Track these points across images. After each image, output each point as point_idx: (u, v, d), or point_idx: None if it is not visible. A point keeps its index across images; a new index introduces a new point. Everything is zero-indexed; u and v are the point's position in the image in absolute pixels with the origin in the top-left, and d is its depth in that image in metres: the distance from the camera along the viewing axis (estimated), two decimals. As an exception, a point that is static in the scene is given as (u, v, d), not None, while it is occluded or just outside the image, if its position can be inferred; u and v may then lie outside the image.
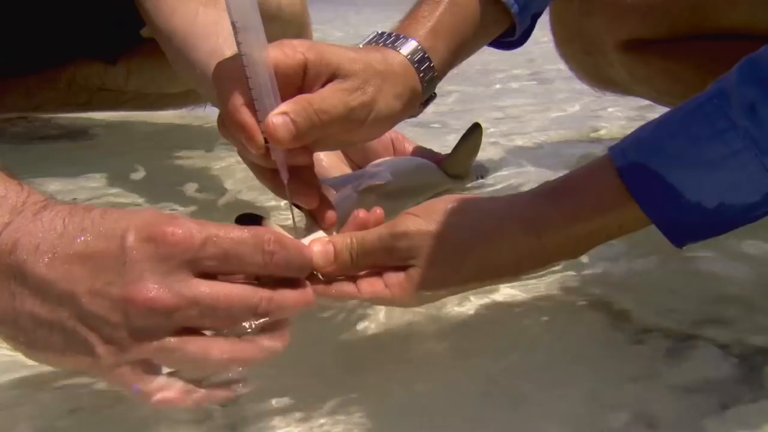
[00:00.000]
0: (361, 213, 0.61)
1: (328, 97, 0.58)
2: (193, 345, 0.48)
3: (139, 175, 1.14)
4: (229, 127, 0.58)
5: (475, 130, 0.77)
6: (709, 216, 0.54)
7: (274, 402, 0.56)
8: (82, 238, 0.47)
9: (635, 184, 0.55)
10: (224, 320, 0.49)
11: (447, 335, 0.64)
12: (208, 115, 1.47)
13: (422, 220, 0.58)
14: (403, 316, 0.66)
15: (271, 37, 0.57)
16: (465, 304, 0.67)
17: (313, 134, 0.57)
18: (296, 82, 0.58)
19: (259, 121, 0.57)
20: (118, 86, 1.28)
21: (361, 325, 0.66)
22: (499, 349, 0.62)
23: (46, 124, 1.40)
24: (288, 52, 0.57)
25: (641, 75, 1.03)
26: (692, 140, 0.53)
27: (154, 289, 0.46)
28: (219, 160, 1.21)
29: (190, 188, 1.08)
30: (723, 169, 0.52)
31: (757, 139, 0.51)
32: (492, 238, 0.57)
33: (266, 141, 0.57)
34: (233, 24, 0.55)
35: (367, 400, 0.56)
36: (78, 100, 1.30)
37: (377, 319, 0.67)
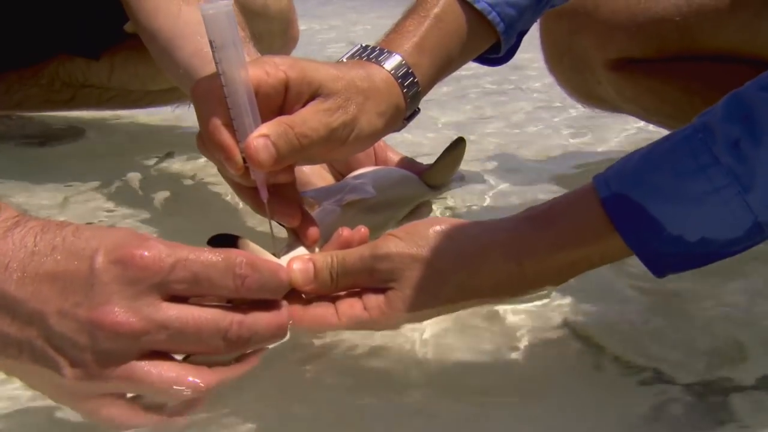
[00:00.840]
0: (345, 232, 0.60)
1: (310, 119, 0.57)
2: (159, 370, 0.47)
3: (122, 180, 1.12)
4: (207, 146, 0.57)
5: (459, 144, 0.76)
6: (691, 249, 0.53)
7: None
8: (52, 257, 0.46)
9: (618, 215, 0.54)
10: (193, 344, 0.48)
11: (431, 365, 0.63)
12: (191, 115, 1.46)
13: (404, 243, 0.57)
14: (382, 347, 0.65)
15: (257, 34, 0.55)
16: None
17: (294, 157, 0.57)
18: (278, 100, 0.57)
19: (238, 141, 0.56)
20: (101, 82, 1.26)
21: (337, 352, 0.65)
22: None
23: (28, 123, 1.37)
24: (269, 71, 0.56)
25: (629, 94, 1.02)
26: (676, 174, 0.52)
27: (120, 312, 0.45)
28: (204, 163, 1.19)
29: (176, 195, 1.06)
30: (705, 204, 0.51)
31: (739, 175, 0.51)
32: (472, 263, 0.57)
33: (245, 161, 0.55)
34: (210, 43, 0.54)
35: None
36: (61, 97, 1.27)
37: (354, 348, 0.65)
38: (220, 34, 0.53)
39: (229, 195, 1.03)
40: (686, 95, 0.98)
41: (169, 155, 1.24)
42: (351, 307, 0.57)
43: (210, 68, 0.83)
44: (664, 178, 0.53)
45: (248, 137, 0.55)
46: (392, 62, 0.64)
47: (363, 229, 0.60)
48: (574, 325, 0.68)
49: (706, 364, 0.61)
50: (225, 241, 0.56)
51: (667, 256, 0.54)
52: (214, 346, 0.48)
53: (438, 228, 0.58)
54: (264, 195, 0.58)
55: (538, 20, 1.06)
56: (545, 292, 0.66)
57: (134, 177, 1.13)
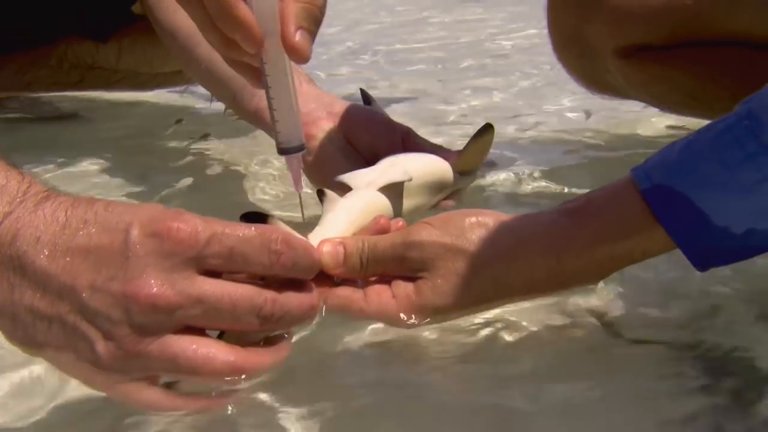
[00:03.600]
0: (383, 220, 0.58)
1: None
2: (194, 346, 0.45)
3: (131, 162, 1.10)
4: (223, 23, 0.53)
5: (487, 131, 0.73)
6: (737, 241, 0.51)
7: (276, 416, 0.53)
8: (85, 231, 0.44)
9: (660, 207, 0.52)
10: (227, 320, 0.46)
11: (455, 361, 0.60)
12: (198, 96, 1.43)
13: (438, 230, 0.55)
14: (406, 337, 0.62)
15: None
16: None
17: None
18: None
19: (275, 121, 0.54)
20: (109, 65, 1.24)
21: (359, 340, 0.62)
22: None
23: (36, 102, 1.34)
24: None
25: (638, 81, 1.00)
26: (723, 163, 0.50)
27: (156, 285, 0.43)
28: (212, 147, 1.17)
29: (184, 179, 1.03)
30: (754, 193, 0.49)
31: None
32: (509, 255, 0.54)
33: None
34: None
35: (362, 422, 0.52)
36: (70, 78, 1.25)
37: (379, 336, 0.62)
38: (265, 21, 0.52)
39: (248, 177, 1.02)
40: (698, 81, 0.96)
41: (175, 138, 1.21)
42: (379, 294, 0.55)
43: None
44: (709, 167, 0.51)
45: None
46: None
47: (401, 223, 0.58)
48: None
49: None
50: (256, 218, 0.54)
51: (712, 249, 0.52)
52: (247, 323, 0.46)
53: (474, 219, 0.55)
54: (299, 188, 0.58)
55: (546, 8, 1.05)
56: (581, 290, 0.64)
57: (138, 161, 1.10)
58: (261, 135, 1.09)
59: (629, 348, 0.60)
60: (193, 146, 1.19)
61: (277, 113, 0.55)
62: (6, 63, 1.19)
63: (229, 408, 0.50)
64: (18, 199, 0.46)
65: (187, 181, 1.02)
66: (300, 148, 0.58)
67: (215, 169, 1.07)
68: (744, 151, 0.49)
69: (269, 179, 1.01)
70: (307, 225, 0.61)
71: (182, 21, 0.89)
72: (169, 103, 1.46)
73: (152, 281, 0.43)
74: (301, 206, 0.64)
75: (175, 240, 0.44)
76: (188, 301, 0.44)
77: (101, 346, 0.44)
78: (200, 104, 1.43)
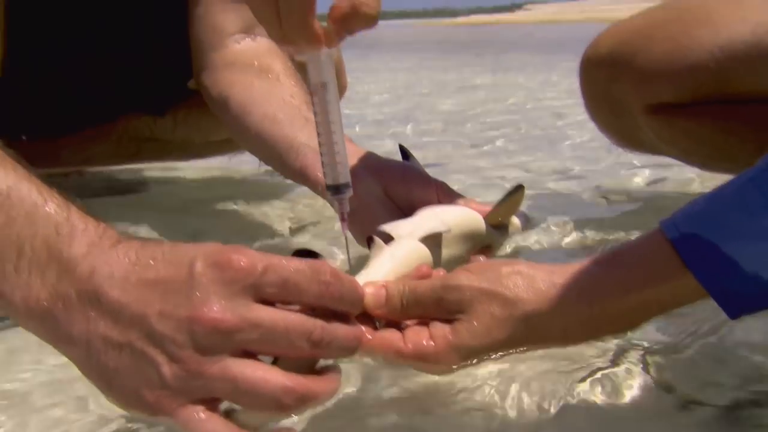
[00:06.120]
0: (425, 268, 0.62)
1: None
2: (252, 369, 0.48)
3: (186, 231, 1.14)
4: (293, 33, 0.55)
5: (518, 190, 0.78)
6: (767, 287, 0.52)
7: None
8: (154, 266, 0.49)
9: (690, 254, 0.53)
10: (281, 345, 0.49)
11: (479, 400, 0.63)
12: (246, 165, 1.49)
13: (476, 276, 0.57)
14: (427, 382, 0.64)
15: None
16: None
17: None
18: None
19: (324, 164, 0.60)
20: (165, 136, 1.29)
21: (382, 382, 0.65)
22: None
23: (96, 177, 1.41)
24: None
25: (667, 137, 1.03)
26: (747, 210, 0.52)
27: (218, 310, 0.47)
28: (262, 212, 1.22)
29: (234, 240, 1.07)
30: None
31: None
32: (543, 301, 0.56)
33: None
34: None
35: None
36: (127, 151, 1.31)
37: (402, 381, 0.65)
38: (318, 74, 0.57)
39: (293, 237, 1.06)
40: (722, 135, 0.99)
41: (227, 205, 1.26)
42: (417, 334, 0.57)
43: (279, 131, 0.88)
44: (735, 216, 0.53)
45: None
46: None
47: (441, 272, 0.62)
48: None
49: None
50: (306, 254, 0.58)
51: (743, 295, 0.53)
52: (299, 348, 0.49)
53: (510, 267, 0.58)
54: (344, 227, 0.62)
55: (578, 68, 1.10)
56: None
57: (194, 230, 1.14)
58: (302, 200, 1.15)
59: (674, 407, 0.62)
60: (241, 209, 1.24)
61: (325, 157, 0.60)
62: (70, 140, 1.26)
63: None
64: (95, 242, 0.50)
65: (237, 240, 1.07)
66: (347, 187, 0.62)
67: (268, 233, 1.12)
68: (766, 197, 0.52)
69: (313, 240, 1.06)
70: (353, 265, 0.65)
71: (235, 94, 0.96)
72: (216, 168, 1.53)
73: (215, 306, 0.47)
74: (347, 245, 0.66)
75: (235, 269, 0.48)
76: (247, 325, 0.48)
77: (167, 368, 0.47)
78: (247, 170, 1.49)
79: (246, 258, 0.48)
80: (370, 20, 0.55)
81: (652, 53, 1.01)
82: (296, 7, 0.53)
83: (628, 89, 1.03)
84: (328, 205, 0.84)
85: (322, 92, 0.59)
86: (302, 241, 1.06)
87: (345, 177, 0.61)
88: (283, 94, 0.93)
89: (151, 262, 0.49)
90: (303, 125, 0.87)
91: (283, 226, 1.13)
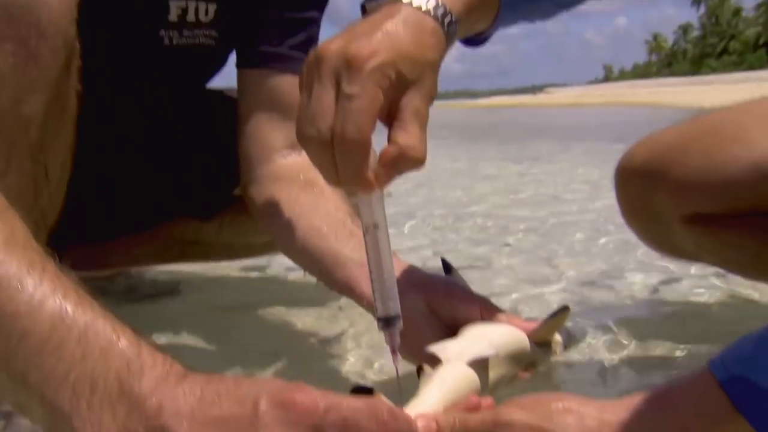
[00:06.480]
0: (474, 398, 0.63)
1: None
2: None
3: (227, 334, 1.16)
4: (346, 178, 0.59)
5: (563, 311, 0.79)
6: None
7: None
8: (218, 402, 0.51)
9: (741, 398, 0.54)
10: None
11: None
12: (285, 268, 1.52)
13: (527, 413, 0.58)
14: None
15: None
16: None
17: None
18: None
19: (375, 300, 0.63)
20: (210, 240, 1.33)
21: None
22: None
23: (142, 280, 1.44)
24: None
25: (707, 246, 1.04)
26: None
27: None
28: (302, 315, 1.24)
29: (279, 349, 1.09)
30: None
31: None
32: None
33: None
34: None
35: None
36: (172, 253, 1.35)
37: None
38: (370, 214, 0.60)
39: (337, 347, 1.07)
40: (762, 246, 1.01)
41: (266, 308, 1.28)
42: None
43: (325, 244, 0.91)
44: None
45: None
46: None
47: (490, 401, 0.63)
48: None
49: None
50: (363, 391, 0.60)
51: None
52: None
53: (560, 404, 0.59)
54: (396, 360, 0.64)
55: (614, 179, 1.12)
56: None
57: (236, 334, 1.15)
58: (344, 308, 1.16)
59: None
60: (284, 317, 1.26)
61: (377, 293, 0.63)
62: (119, 244, 1.29)
63: None
64: (163, 377, 0.52)
65: (281, 351, 1.09)
66: (398, 318, 0.64)
67: (306, 339, 1.14)
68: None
69: (356, 352, 1.08)
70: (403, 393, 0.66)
71: (282, 208, 0.99)
72: (255, 268, 1.56)
73: None
74: (398, 378, 0.68)
75: (299, 410, 0.50)
76: None
77: None
78: (291, 275, 1.52)
79: (308, 398, 0.50)
80: (417, 163, 0.59)
81: (687, 166, 1.02)
82: (352, 159, 0.57)
83: (665, 200, 1.04)
84: (366, 312, 0.86)
85: (373, 232, 0.61)
86: (346, 348, 1.07)
87: (395, 310, 0.63)
88: (328, 207, 0.96)
89: (216, 398, 0.51)
90: (348, 238, 0.90)
91: (327, 333, 1.14)
